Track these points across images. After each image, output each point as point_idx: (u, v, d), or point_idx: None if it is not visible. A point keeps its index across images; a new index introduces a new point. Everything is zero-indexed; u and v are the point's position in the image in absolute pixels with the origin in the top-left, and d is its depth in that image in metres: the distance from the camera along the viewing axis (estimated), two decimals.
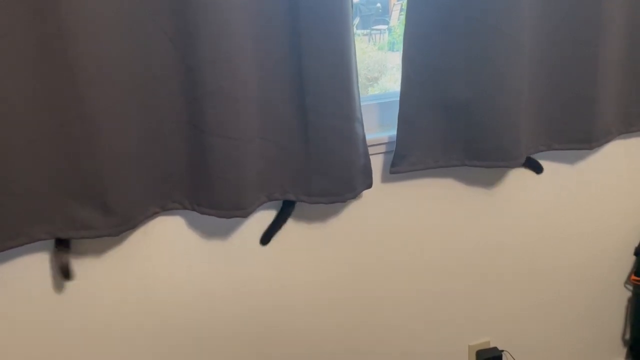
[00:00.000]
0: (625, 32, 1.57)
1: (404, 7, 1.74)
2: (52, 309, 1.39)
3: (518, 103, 1.47)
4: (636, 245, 1.90)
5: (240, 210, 1.35)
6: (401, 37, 1.42)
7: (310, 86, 1.33)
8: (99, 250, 1.39)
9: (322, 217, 1.54)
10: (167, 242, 1.44)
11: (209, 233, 1.47)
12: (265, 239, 1.51)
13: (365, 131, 1.44)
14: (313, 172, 1.40)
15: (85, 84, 1.18)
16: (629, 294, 1.96)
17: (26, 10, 1.12)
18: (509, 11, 1.39)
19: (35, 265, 1.35)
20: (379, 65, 1.84)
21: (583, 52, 1.52)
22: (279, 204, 1.49)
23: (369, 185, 1.47)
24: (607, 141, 1.66)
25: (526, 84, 1.49)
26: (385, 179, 1.57)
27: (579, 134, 1.60)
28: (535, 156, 1.66)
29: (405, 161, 1.50)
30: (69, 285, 1.38)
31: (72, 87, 1.17)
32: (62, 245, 1.34)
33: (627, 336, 2.01)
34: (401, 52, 1.43)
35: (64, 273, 1.34)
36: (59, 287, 1.38)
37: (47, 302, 1.38)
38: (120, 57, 1.21)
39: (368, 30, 1.83)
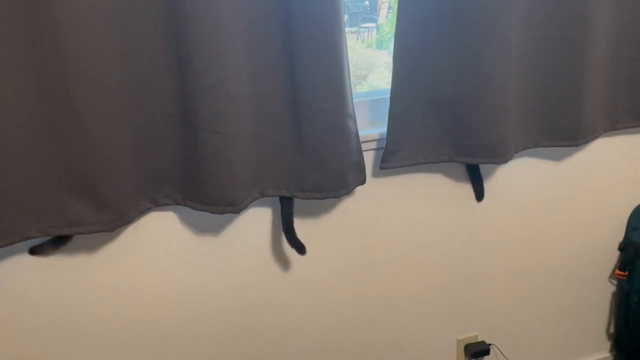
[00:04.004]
0: (612, 30, 1.59)
1: (393, 5, 1.75)
2: (43, 305, 1.38)
3: (506, 100, 1.49)
4: (620, 240, 1.93)
5: (232, 207, 1.35)
6: (389, 35, 1.43)
7: (302, 81, 1.33)
8: (91, 247, 1.38)
9: (313, 212, 1.55)
10: (159, 238, 1.43)
11: (201, 229, 1.46)
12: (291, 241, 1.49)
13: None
14: (306, 168, 1.40)
15: (76, 78, 1.17)
16: (613, 288, 1.99)
17: (18, 3, 1.11)
18: (499, 8, 1.40)
19: (26, 262, 1.34)
20: (367, 63, 1.84)
21: (570, 50, 1.53)
22: (274, 200, 1.49)
23: (363, 182, 1.47)
24: (593, 138, 1.68)
25: (514, 82, 1.50)
26: (375, 175, 1.58)
27: (565, 131, 1.62)
28: (522, 153, 1.68)
29: (395, 157, 1.51)
30: (60, 282, 1.38)
31: (63, 82, 1.16)
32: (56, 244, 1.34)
33: (612, 330, 2.04)
34: (390, 50, 1.44)
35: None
36: (50, 285, 1.37)
37: (37, 299, 1.37)
38: (112, 52, 1.20)
39: (356, 28, 1.83)
